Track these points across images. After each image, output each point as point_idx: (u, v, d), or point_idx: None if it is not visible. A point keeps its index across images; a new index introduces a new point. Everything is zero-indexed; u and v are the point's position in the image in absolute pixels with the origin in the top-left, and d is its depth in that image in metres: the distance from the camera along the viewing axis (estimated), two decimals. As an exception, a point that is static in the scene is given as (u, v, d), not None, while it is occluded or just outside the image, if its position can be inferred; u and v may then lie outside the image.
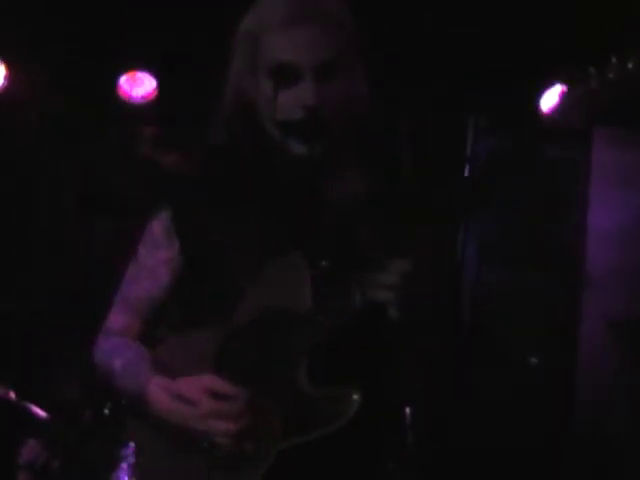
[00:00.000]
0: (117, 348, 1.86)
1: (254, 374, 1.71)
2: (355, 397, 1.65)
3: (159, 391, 1.75)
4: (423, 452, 1.88)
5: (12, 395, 3.77)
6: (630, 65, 1.58)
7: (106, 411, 3.88)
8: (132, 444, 3.74)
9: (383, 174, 1.85)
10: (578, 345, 4.54)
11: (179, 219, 1.86)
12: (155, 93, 4.80)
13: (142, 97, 4.80)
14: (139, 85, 4.79)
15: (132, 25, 4.51)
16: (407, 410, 1.87)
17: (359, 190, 1.81)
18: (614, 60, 1.58)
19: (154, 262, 1.88)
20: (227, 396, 1.69)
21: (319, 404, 1.67)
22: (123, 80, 4.79)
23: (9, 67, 4.65)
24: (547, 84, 4.33)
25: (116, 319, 1.92)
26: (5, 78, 4.65)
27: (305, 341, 1.69)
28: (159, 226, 1.89)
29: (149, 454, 1.83)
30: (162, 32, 4.53)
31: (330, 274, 1.71)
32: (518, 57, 4.28)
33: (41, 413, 3.75)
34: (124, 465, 3.78)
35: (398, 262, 1.61)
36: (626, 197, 4.59)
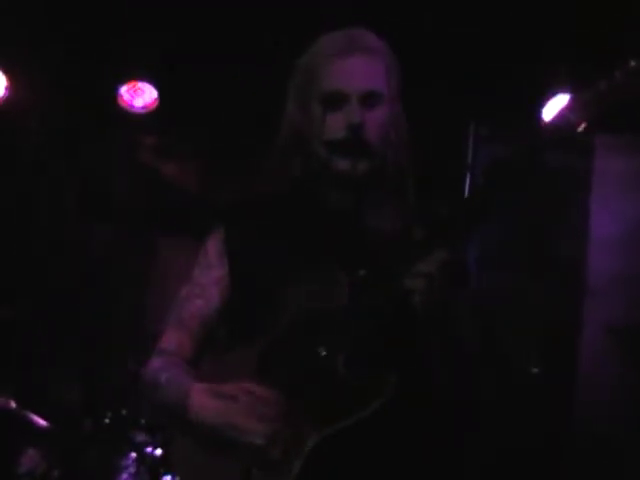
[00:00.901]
0: (165, 365, 1.97)
1: (296, 370, 1.84)
2: (389, 379, 1.76)
3: (200, 393, 1.86)
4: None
5: (12, 404, 3.76)
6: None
7: (106, 420, 3.87)
8: (133, 454, 3.72)
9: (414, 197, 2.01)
10: (578, 351, 4.54)
11: (230, 241, 2.01)
12: (156, 103, 4.81)
13: (143, 107, 4.81)
14: (140, 95, 4.80)
15: (133, 34, 4.52)
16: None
17: (398, 210, 1.96)
18: (620, 63, 1.59)
19: (207, 281, 2.01)
20: (263, 398, 1.81)
21: (356, 389, 1.78)
22: (124, 90, 4.80)
23: (10, 76, 4.66)
24: (550, 91, 4.33)
25: (169, 339, 2.02)
26: (6, 89, 4.66)
27: (343, 335, 1.81)
28: (212, 247, 2.03)
29: (189, 462, 1.91)
30: (163, 42, 4.54)
31: (367, 281, 1.83)
32: (519, 62, 4.28)
33: (41, 422, 3.74)
34: (124, 475, 3.77)
35: (437, 252, 1.73)
36: (627, 204, 4.59)
